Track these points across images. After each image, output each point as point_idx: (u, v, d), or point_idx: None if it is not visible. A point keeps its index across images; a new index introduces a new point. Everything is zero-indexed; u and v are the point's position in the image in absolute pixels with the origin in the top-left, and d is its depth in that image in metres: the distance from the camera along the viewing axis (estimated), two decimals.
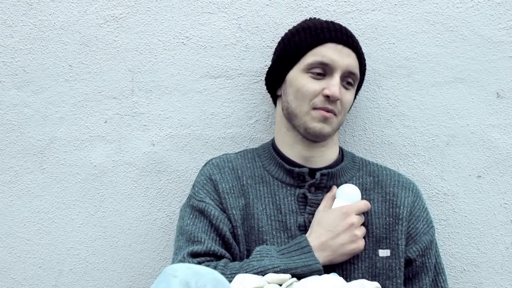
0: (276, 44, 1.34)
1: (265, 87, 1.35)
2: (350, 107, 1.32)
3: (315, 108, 1.21)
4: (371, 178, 1.28)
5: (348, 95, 1.24)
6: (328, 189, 1.24)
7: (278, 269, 1.08)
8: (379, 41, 1.41)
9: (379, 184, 1.27)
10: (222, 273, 1.08)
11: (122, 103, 1.45)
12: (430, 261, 1.27)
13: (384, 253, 1.21)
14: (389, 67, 1.42)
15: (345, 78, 1.23)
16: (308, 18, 1.33)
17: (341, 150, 1.33)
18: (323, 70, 1.21)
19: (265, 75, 1.34)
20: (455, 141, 1.42)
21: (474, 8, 1.40)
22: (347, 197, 1.20)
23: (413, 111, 1.42)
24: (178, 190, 1.46)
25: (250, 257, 1.14)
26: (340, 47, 1.22)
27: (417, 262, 1.25)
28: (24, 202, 1.48)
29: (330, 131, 1.23)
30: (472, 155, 1.42)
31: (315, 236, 1.15)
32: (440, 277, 1.29)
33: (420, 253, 1.25)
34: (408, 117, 1.43)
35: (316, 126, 1.21)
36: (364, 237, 1.20)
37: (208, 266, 1.13)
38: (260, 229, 1.21)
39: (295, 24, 1.36)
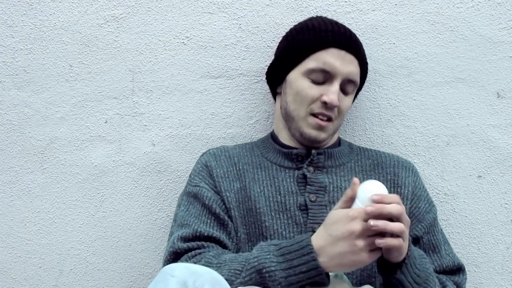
0: (278, 42, 1.33)
1: (266, 82, 1.36)
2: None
3: (312, 114, 1.21)
4: (370, 161, 1.29)
5: (347, 100, 1.25)
6: (327, 169, 1.25)
7: (279, 280, 1.01)
8: (380, 41, 1.41)
9: (379, 165, 1.28)
10: (210, 262, 1.07)
11: (122, 103, 1.45)
12: (435, 237, 1.26)
13: None
14: (390, 67, 1.41)
15: (345, 85, 1.22)
16: (314, 17, 1.32)
17: (339, 138, 1.35)
18: (323, 76, 1.21)
19: (266, 70, 1.34)
20: (456, 141, 1.42)
21: (474, 8, 1.40)
22: (364, 198, 0.98)
23: (414, 111, 1.42)
24: (179, 190, 1.45)
25: (245, 255, 1.09)
26: (343, 53, 1.21)
27: (424, 240, 1.25)
28: (25, 202, 1.48)
29: (326, 137, 1.24)
30: (472, 155, 1.42)
31: (315, 238, 1.02)
32: (447, 246, 1.27)
33: (426, 230, 1.25)
34: (408, 117, 1.42)
35: (312, 132, 1.22)
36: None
37: (198, 254, 1.12)
38: (258, 211, 1.21)
39: (295, 24, 1.36)
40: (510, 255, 1.42)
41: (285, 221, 1.20)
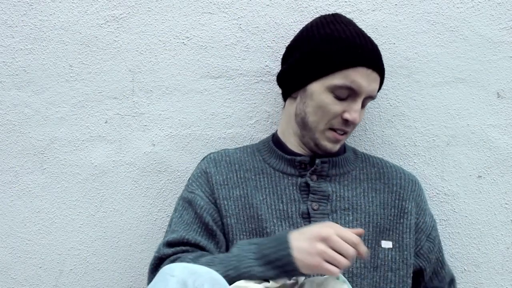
0: (294, 41, 1.27)
1: (277, 83, 1.31)
2: None
3: (331, 129, 1.21)
4: (375, 169, 1.29)
5: (362, 113, 1.24)
6: (330, 178, 1.24)
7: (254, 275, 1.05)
8: (380, 41, 1.41)
9: (385, 175, 1.28)
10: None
11: (122, 103, 1.45)
12: (441, 254, 1.31)
13: (386, 244, 1.21)
14: (390, 67, 1.41)
15: (365, 100, 1.21)
16: (336, 17, 1.25)
17: (344, 145, 1.34)
18: (347, 93, 1.18)
19: (280, 72, 1.29)
20: (456, 141, 1.42)
21: (474, 8, 1.40)
22: None
23: (414, 111, 1.42)
24: (179, 190, 1.46)
25: (225, 254, 1.12)
26: (369, 72, 1.18)
27: (432, 260, 1.28)
28: (25, 202, 1.48)
29: (338, 148, 1.25)
30: (472, 155, 1.42)
31: (292, 234, 1.06)
32: (445, 259, 1.35)
33: (435, 250, 1.29)
34: (408, 117, 1.42)
35: (328, 145, 1.22)
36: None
37: (178, 258, 1.15)
38: (260, 217, 1.20)
39: (295, 24, 1.36)
40: (510, 255, 1.42)
41: (287, 228, 1.20)
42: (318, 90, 1.19)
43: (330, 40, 1.19)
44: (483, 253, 1.43)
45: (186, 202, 1.25)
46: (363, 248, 1.02)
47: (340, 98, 1.18)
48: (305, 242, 1.02)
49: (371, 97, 1.22)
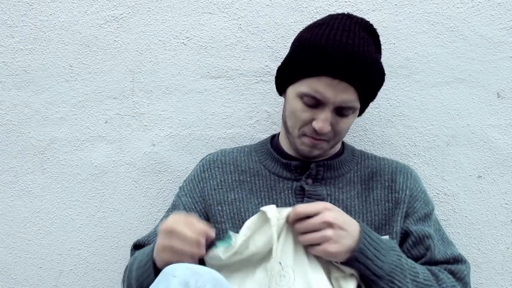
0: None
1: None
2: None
3: (304, 135, 1.18)
4: (369, 170, 1.27)
5: (344, 123, 1.17)
6: (326, 181, 1.24)
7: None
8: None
9: (377, 173, 1.26)
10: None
11: (122, 103, 1.45)
12: (424, 230, 1.21)
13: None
14: (390, 67, 1.41)
15: (341, 110, 1.15)
16: (331, 22, 1.17)
17: (342, 144, 1.33)
18: (315, 101, 1.14)
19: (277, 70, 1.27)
20: (456, 141, 1.42)
21: (474, 8, 1.40)
22: None
23: (414, 111, 1.42)
24: None
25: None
26: (335, 82, 1.10)
27: (413, 231, 1.21)
28: (25, 202, 1.48)
29: (320, 153, 1.21)
30: (472, 155, 1.42)
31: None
32: (440, 241, 1.24)
33: (415, 223, 1.22)
34: (408, 117, 1.43)
35: (305, 149, 1.20)
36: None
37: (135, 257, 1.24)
38: None
39: (295, 24, 1.35)
40: (510, 255, 1.42)
41: None
42: (291, 95, 1.18)
43: (305, 46, 1.15)
44: (483, 253, 1.43)
45: (172, 205, 1.29)
46: (210, 231, 1.04)
47: (308, 106, 1.15)
48: (160, 239, 1.05)
49: (349, 108, 1.15)
